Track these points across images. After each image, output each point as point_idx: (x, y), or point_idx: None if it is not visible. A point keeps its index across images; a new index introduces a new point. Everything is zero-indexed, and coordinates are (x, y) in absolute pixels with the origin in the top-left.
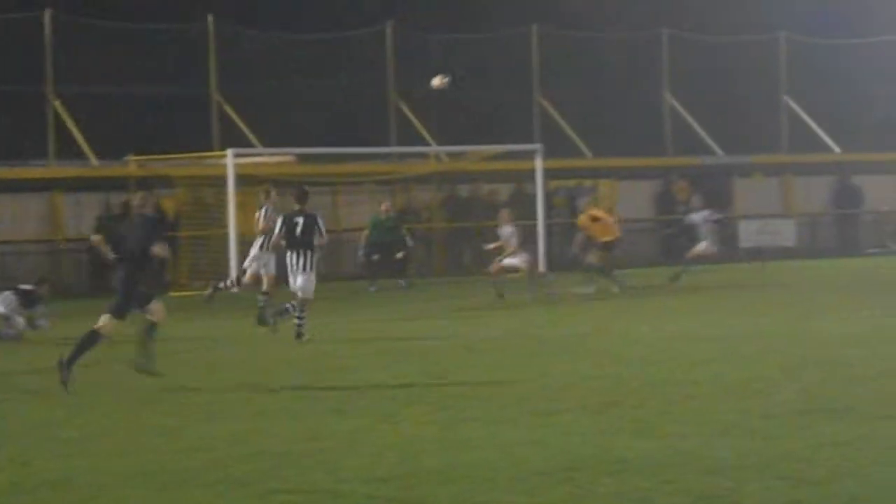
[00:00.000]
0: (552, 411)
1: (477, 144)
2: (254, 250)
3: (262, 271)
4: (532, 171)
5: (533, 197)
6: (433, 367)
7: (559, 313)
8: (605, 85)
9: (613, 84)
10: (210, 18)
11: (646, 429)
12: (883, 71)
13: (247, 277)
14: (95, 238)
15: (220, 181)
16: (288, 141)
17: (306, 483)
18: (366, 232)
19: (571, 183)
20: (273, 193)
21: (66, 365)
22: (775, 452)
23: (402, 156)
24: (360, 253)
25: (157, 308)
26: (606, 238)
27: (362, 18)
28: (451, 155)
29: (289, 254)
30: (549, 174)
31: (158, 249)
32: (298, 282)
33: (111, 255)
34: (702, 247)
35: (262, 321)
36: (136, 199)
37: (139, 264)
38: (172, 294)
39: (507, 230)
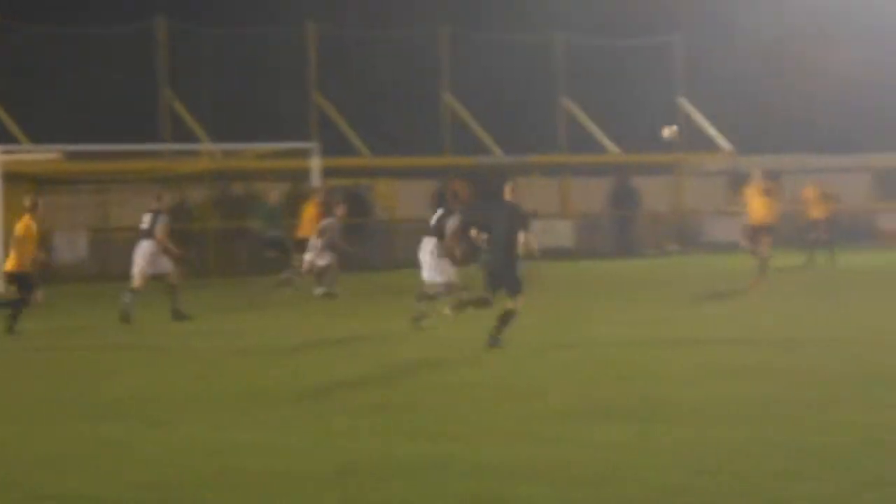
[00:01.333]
0: (324, 414)
1: (253, 142)
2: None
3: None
4: (308, 170)
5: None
6: (203, 371)
7: (333, 314)
8: (384, 84)
9: (392, 83)
10: None
11: (419, 432)
12: (656, 73)
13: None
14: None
15: None
16: (55, 137)
17: (69, 489)
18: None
19: (350, 182)
20: (166, 198)
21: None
22: (549, 455)
23: (175, 153)
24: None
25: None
26: None
27: (133, 13)
28: (225, 153)
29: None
30: (327, 173)
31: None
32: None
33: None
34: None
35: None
36: (507, 187)
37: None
38: None
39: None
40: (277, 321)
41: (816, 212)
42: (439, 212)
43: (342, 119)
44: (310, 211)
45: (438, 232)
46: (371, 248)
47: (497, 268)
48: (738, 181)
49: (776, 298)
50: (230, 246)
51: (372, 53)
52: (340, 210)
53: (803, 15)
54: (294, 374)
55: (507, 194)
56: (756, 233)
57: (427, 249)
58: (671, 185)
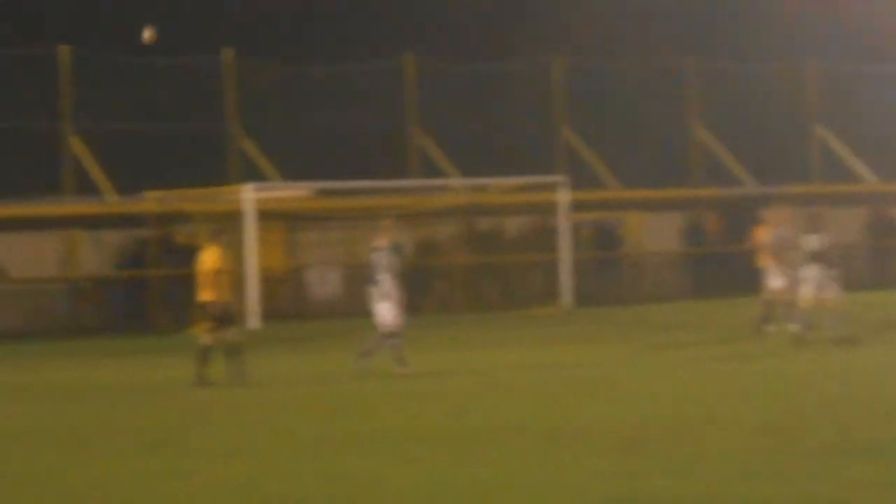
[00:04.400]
0: (575, 451)
1: (499, 176)
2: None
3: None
4: (556, 204)
5: (556, 230)
6: (455, 406)
7: (583, 350)
8: (631, 115)
9: (639, 114)
10: (228, 52)
11: (675, 469)
12: None
13: None
14: None
15: (237, 216)
16: (306, 175)
17: None
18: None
19: (597, 215)
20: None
21: None
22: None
23: (423, 189)
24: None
25: None
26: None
27: (381, 50)
28: (472, 187)
29: None
30: (574, 206)
31: None
32: None
33: None
34: None
35: None
36: None
37: None
38: (192, 332)
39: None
40: (521, 357)
41: None
42: None
43: (590, 151)
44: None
45: None
46: (619, 281)
47: None
48: None
49: None
50: (478, 281)
51: (620, 84)
52: None
53: None
54: (546, 409)
55: None
56: None
57: None
58: None
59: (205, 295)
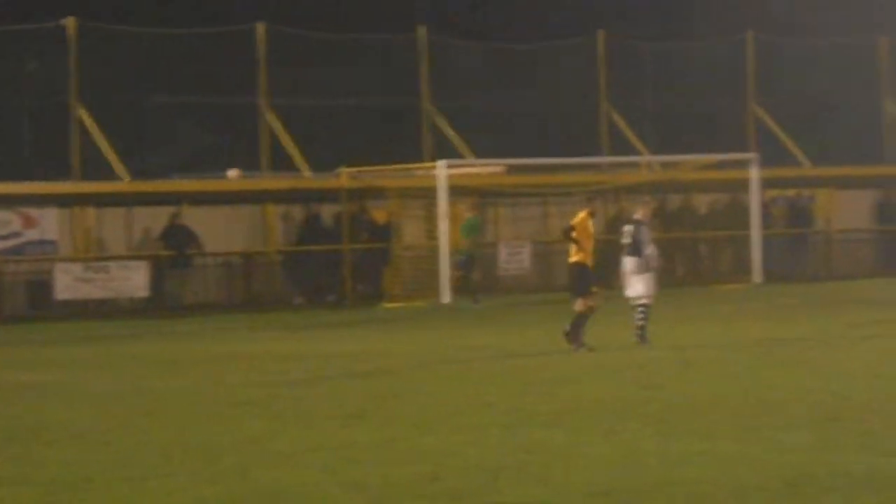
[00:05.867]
0: (769, 426)
1: (690, 154)
2: None
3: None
4: (747, 181)
5: (748, 207)
6: (649, 380)
7: (774, 326)
8: (822, 92)
9: (831, 91)
10: (421, 30)
11: (871, 444)
12: None
13: None
14: None
15: (431, 192)
16: (498, 152)
17: (524, 497)
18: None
19: (789, 192)
20: (651, 206)
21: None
22: None
23: (614, 166)
24: (460, 263)
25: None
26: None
27: (572, 28)
28: (663, 164)
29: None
30: (766, 184)
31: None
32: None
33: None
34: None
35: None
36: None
37: None
38: (386, 306)
39: None
40: (714, 332)
41: None
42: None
43: (781, 129)
44: None
45: None
46: (810, 259)
47: None
48: None
49: None
50: (668, 256)
51: (810, 62)
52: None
53: None
54: (739, 384)
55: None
56: None
57: None
58: None
59: (575, 258)
